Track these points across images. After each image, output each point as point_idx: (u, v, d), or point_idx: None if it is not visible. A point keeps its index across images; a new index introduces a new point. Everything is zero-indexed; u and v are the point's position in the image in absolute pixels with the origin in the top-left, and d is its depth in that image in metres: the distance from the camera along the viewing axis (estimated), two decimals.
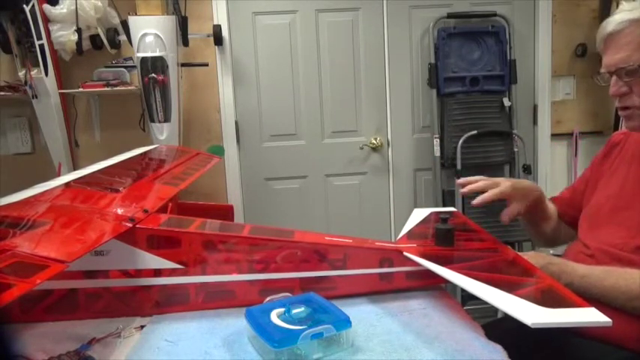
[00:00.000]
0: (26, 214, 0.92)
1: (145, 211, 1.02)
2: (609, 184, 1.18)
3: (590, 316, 0.77)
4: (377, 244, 1.04)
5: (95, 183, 1.22)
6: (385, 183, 2.90)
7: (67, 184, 1.17)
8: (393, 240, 1.10)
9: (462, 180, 1.19)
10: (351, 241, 1.04)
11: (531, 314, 0.76)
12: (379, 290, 1.03)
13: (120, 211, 1.00)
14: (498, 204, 1.21)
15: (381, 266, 1.01)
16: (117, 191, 1.14)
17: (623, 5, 1.06)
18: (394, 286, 1.03)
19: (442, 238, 1.05)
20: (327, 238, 1.03)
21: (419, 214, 1.22)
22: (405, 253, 1.01)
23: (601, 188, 1.20)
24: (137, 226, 0.95)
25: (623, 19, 1.02)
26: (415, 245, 1.05)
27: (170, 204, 1.19)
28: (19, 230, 0.83)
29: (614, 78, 1.06)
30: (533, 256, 1.09)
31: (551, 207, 1.36)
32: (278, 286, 0.98)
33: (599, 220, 1.16)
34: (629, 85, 1.04)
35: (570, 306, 0.80)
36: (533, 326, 0.74)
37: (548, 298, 0.83)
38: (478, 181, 1.17)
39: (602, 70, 1.08)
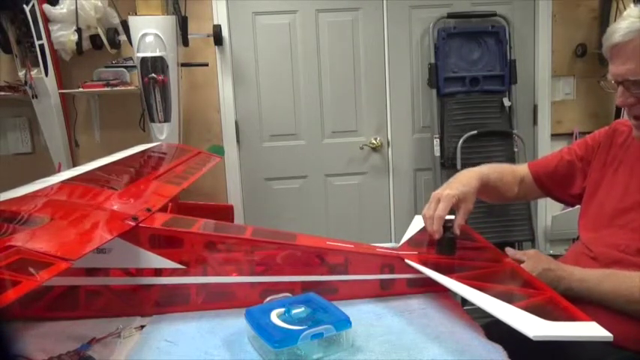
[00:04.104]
0: (29, 211, 0.92)
1: (148, 210, 1.02)
2: (612, 186, 1.17)
3: (591, 330, 0.78)
4: (378, 250, 1.04)
5: (98, 180, 1.22)
6: (385, 183, 2.90)
7: (70, 181, 1.17)
8: (392, 240, 1.10)
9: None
10: (352, 246, 1.04)
11: (533, 326, 0.77)
12: (380, 296, 1.03)
13: (123, 209, 1.00)
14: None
15: (382, 273, 1.01)
16: (120, 189, 1.14)
17: (631, 10, 1.03)
18: (395, 293, 1.03)
19: (444, 247, 1.05)
20: (328, 242, 1.03)
21: (420, 221, 1.22)
22: (407, 261, 1.01)
23: (604, 190, 1.19)
24: (140, 225, 0.95)
25: (630, 28, 0.99)
26: (416, 253, 1.05)
27: (170, 204, 1.19)
28: (22, 227, 0.83)
29: (620, 88, 1.04)
30: (533, 256, 1.09)
31: (512, 174, 1.32)
32: (279, 289, 0.98)
33: (602, 222, 1.15)
34: (636, 97, 1.02)
35: (571, 319, 0.81)
36: (534, 339, 0.75)
37: (549, 311, 0.83)
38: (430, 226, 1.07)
39: (609, 78, 1.06)
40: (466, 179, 1.18)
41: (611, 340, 0.76)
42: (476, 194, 1.17)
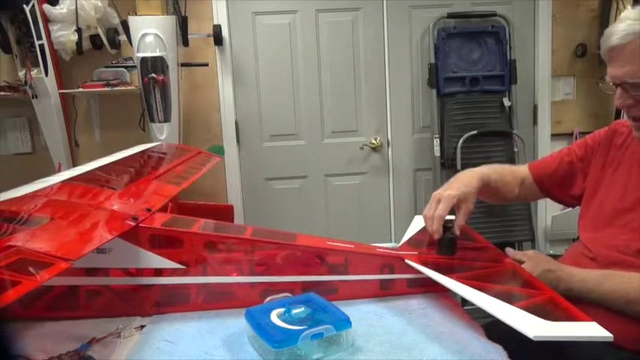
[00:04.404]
0: (29, 211, 0.92)
1: (148, 210, 1.02)
2: (612, 186, 1.17)
3: (591, 330, 0.78)
4: (378, 250, 1.04)
5: (98, 180, 1.22)
6: (385, 183, 2.90)
7: (70, 181, 1.17)
8: (392, 240, 1.10)
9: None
10: (352, 246, 1.04)
11: (533, 327, 0.77)
12: (380, 296, 1.03)
13: (123, 209, 1.00)
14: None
15: (382, 273, 1.02)
16: (120, 189, 1.14)
17: (628, 12, 1.03)
18: (395, 293, 1.03)
19: (444, 247, 1.05)
20: (328, 242, 1.03)
21: (420, 221, 1.22)
22: (407, 261, 1.01)
23: (603, 190, 1.19)
24: (140, 225, 0.95)
25: (628, 31, 0.99)
26: (417, 253, 1.05)
27: (170, 204, 1.19)
28: (22, 227, 0.83)
29: (619, 90, 1.04)
30: (532, 257, 1.09)
31: (513, 175, 1.32)
32: (279, 289, 0.98)
33: (601, 222, 1.15)
34: (634, 98, 1.02)
35: (572, 319, 0.81)
36: (535, 339, 0.75)
37: (549, 311, 0.84)
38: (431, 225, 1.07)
39: (607, 80, 1.06)
40: (467, 179, 1.18)
41: (612, 340, 0.76)
42: (476, 195, 1.17)
